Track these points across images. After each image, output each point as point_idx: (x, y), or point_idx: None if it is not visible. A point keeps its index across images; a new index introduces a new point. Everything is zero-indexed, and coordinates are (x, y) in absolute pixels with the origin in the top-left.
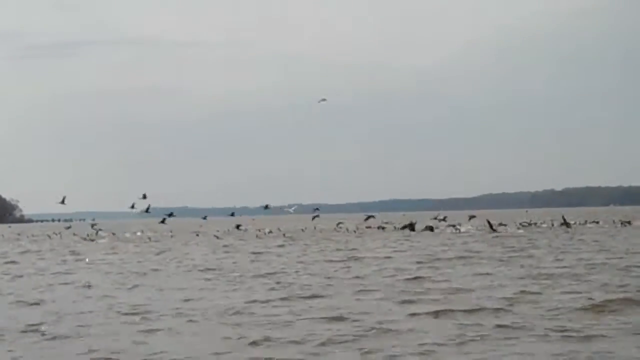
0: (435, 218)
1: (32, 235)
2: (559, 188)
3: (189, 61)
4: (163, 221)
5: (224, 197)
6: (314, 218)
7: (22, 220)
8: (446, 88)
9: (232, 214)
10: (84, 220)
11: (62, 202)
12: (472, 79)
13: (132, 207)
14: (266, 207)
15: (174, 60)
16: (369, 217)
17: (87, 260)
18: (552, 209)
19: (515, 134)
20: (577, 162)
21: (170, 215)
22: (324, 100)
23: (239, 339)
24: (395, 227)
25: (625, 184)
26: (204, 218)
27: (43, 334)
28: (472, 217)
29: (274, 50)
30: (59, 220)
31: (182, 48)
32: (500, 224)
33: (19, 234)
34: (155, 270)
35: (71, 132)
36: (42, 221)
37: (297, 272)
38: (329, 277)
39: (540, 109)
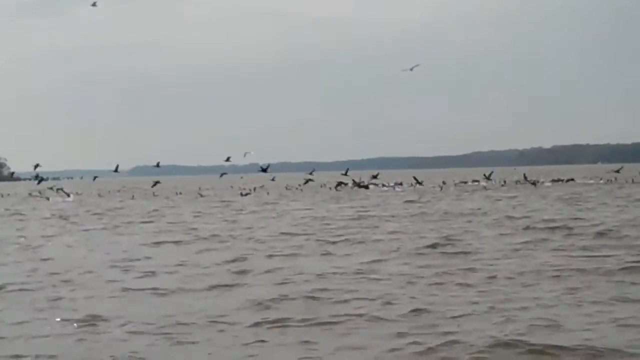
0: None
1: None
2: (547, 146)
3: (179, 15)
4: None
5: (214, 155)
6: (306, 182)
7: (11, 178)
8: (431, 43)
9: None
10: (71, 178)
11: (36, 167)
12: (459, 34)
13: (116, 170)
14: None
15: (164, 15)
16: (339, 183)
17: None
18: (540, 167)
19: (502, 92)
20: (565, 119)
21: (156, 183)
22: (417, 65)
23: None
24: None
25: (613, 142)
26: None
27: None
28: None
29: (261, 7)
30: (46, 179)
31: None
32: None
33: None
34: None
35: (61, 89)
36: (29, 179)
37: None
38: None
39: (527, 67)
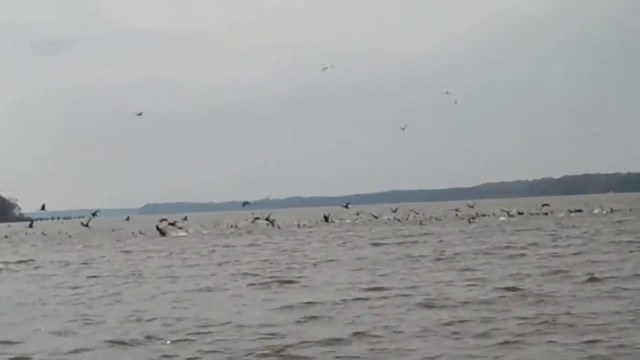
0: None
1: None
2: (557, 176)
3: (186, 53)
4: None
5: (226, 191)
6: (327, 219)
7: (21, 218)
8: (440, 74)
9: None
10: (82, 217)
11: (43, 208)
12: (467, 65)
13: (95, 214)
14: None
15: (172, 52)
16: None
17: None
18: (551, 197)
19: (512, 123)
20: (576, 149)
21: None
22: (328, 67)
23: None
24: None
25: (624, 171)
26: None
27: None
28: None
29: (271, 41)
30: (58, 219)
31: (180, 40)
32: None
33: None
34: None
35: (71, 129)
36: (40, 219)
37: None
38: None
39: (538, 96)
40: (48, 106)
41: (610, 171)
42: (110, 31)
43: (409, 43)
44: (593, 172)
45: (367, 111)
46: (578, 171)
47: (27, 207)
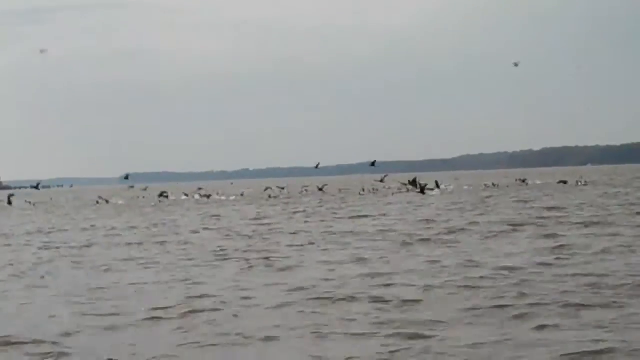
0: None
1: None
2: (537, 148)
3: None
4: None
5: (202, 161)
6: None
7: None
8: (418, 49)
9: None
10: (61, 186)
11: (37, 186)
12: (445, 38)
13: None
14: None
15: (152, 23)
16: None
17: None
18: (530, 170)
19: (491, 95)
20: (555, 122)
21: (37, 186)
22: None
23: None
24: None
25: (603, 144)
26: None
27: None
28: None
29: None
30: (36, 187)
31: (158, 12)
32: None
33: None
34: None
35: (49, 97)
36: (19, 188)
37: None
38: None
39: (517, 69)
40: (27, 76)
41: (590, 143)
42: (86, 3)
43: (392, 17)
44: (572, 144)
45: (348, 85)
46: (557, 143)
47: (6, 175)
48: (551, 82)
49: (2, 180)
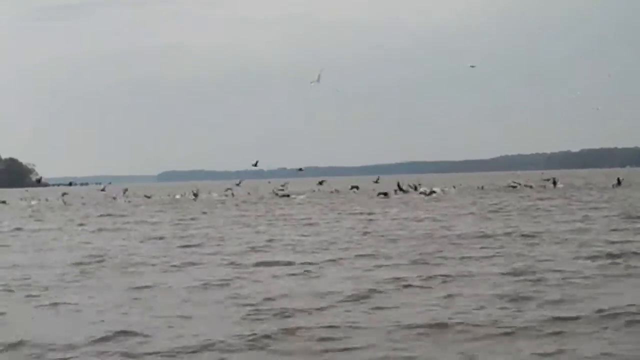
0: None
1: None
2: (575, 149)
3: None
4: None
5: (236, 160)
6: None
7: (38, 184)
8: (457, 45)
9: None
10: (99, 184)
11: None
12: (489, 37)
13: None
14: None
15: (185, 19)
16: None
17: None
18: (569, 171)
19: (532, 95)
20: (594, 123)
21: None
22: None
23: None
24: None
25: None
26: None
27: None
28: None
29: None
30: (75, 184)
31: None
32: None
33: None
34: None
35: (88, 95)
36: (58, 185)
37: None
38: None
39: (557, 70)
40: (67, 74)
41: (629, 145)
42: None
43: (422, 13)
44: (611, 146)
45: (380, 82)
46: (596, 145)
47: (44, 172)
48: (592, 82)
49: (40, 176)
